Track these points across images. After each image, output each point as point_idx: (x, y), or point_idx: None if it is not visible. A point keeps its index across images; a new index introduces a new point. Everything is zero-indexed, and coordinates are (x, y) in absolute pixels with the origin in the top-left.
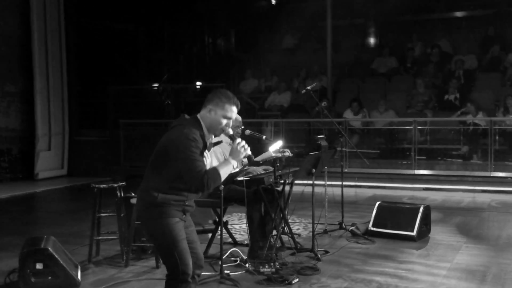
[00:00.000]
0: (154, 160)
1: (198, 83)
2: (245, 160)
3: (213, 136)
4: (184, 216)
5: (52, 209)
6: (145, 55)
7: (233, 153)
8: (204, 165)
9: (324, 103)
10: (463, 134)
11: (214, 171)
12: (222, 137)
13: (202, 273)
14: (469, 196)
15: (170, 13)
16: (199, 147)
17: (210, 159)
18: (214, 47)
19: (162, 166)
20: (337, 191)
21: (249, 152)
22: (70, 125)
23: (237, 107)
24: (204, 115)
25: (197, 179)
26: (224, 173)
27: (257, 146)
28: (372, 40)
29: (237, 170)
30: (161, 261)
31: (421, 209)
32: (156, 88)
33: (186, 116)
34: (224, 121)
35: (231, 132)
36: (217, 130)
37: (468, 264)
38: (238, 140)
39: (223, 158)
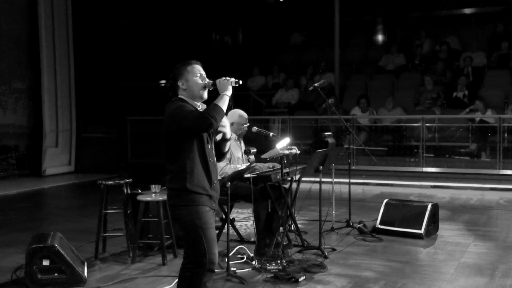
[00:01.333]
0: (167, 151)
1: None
2: (252, 157)
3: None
4: (214, 206)
5: (59, 205)
6: (153, 52)
7: (221, 88)
8: (198, 111)
9: (331, 100)
10: (471, 132)
11: (211, 105)
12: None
13: None
14: (478, 194)
15: (178, 10)
16: (189, 107)
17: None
18: (221, 43)
19: (174, 151)
20: (345, 188)
21: (233, 79)
22: (78, 122)
23: (198, 64)
24: (182, 92)
25: (201, 118)
26: (222, 104)
27: (264, 143)
28: (380, 37)
29: (244, 167)
30: (167, 258)
31: (429, 207)
32: (163, 85)
33: None
34: (199, 80)
35: (211, 82)
36: (200, 90)
37: (476, 263)
38: (218, 79)
39: (231, 156)
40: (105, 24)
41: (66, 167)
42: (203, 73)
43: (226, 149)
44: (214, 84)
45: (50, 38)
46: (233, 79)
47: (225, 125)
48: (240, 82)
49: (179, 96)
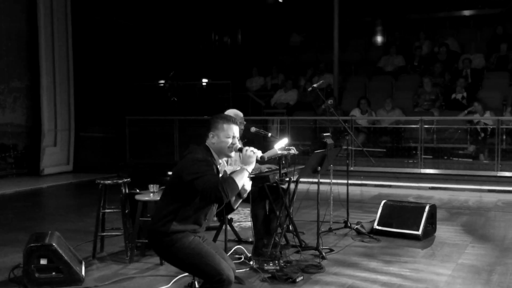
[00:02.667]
0: (168, 189)
1: (204, 80)
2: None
3: (226, 165)
4: (194, 236)
5: (57, 205)
6: (152, 52)
7: (245, 160)
8: (219, 178)
9: (330, 101)
10: (470, 134)
11: (229, 178)
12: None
13: None
14: (476, 196)
15: (177, 10)
16: (211, 166)
17: None
18: (220, 44)
19: (175, 194)
20: (343, 189)
21: (259, 154)
22: (76, 121)
23: (236, 124)
24: (210, 143)
25: (214, 190)
26: (239, 180)
27: (263, 144)
28: (379, 39)
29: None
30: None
31: (426, 208)
32: (162, 85)
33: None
34: (229, 140)
35: (239, 146)
36: (227, 150)
37: (473, 264)
38: (245, 148)
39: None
40: (104, 24)
41: (65, 167)
42: (237, 135)
43: (237, 206)
44: (240, 150)
45: (49, 37)
46: (260, 154)
47: (247, 188)
48: (266, 158)
49: (206, 144)
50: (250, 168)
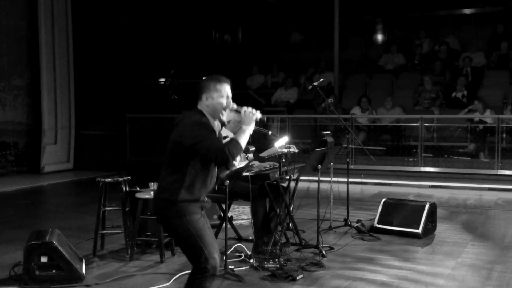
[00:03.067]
0: (169, 158)
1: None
2: (250, 155)
3: (222, 127)
4: (203, 212)
5: (58, 202)
6: (152, 50)
7: (245, 120)
8: (221, 141)
9: (330, 100)
10: (470, 132)
11: (233, 140)
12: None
13: None
14: (476, 194)
15: (178, 8)
16: (210, 129)
17: None
18: (221, 42)
19: (177, 162)
20: (343, 187)
21: (259, 115)
22: (77, 119)
23: (228, 83)
24: (203, 105)
25: (219, 153)
26: (243, 141)
27: (263, 142)
28: (379, 37)
29: (242, 165)
30: (165, 256)
31: (427, 207)
32: (162, 83)
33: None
34: (224, 100)
35: (235, 106)
36: (221, 111)
37: (473, 262)
38: (244, 108)
39: None
40: (105, 22)
41: (65, 165)
42: (230, 94)
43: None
44: (237, 111)
45: (50, 35)
46: (259, 115)
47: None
48: (265, 118)
49: (199, 108)
50: (251, 128)
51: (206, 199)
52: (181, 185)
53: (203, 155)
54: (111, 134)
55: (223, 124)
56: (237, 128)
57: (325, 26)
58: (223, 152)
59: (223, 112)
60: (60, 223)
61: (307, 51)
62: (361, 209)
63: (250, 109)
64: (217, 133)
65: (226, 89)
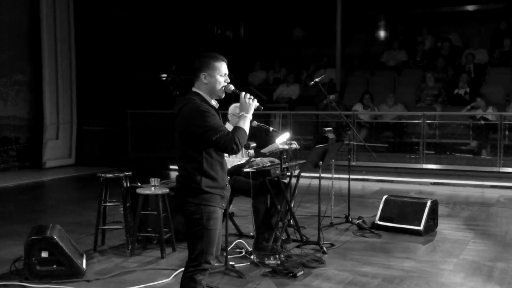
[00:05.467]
0: (181, 148)
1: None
2: (251, 151)
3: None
4: (224, 204)
5: (59, 198)
6: (154, 46)
7: (243, 107)
8: (226, 129)
9: (332, 96)
10: (472, 129)
11: (237, 128)
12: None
13: None
14: (478, 191)
15: (180, 4)
16: (214, 114)
17: None
18: (223, 38)
19: (190, 151)
20: (344, 184)
21: (256, 102)
22: (78, 114)
23: (225, 62)
24: (200, 84)
25: (228, 141)
26: (246, 128)
27: (264, 138)
28: (382, 33)
29: (243, 161)
30: (166, 252)
31: (428, 204)
32: (164, 78)
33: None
34: (222, 79)
35: (232, 87)
36: (219, 91)
37: (475, 260)
38: (243, 93)
39: None
40: (106, 17)
41: (67, 160)
42: (227, 72)
43: None
44: (235, 92)
45: (52, 30)
46: (256, 103)
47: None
48: (262, 108)
49: (195, 89)
50: (250, 114)
51: (227, 183)
52: (201, 173)
53: (212, 143)
54: (113, 130)
55: (216, 110)
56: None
57: (327, 22)
58: (233, 141)
59: (222, 91)
60: (61, 218)
61: (309, 47)
62: (362, 206)
63: (248, 95)
64: (218, 115)
65: (224, 67)
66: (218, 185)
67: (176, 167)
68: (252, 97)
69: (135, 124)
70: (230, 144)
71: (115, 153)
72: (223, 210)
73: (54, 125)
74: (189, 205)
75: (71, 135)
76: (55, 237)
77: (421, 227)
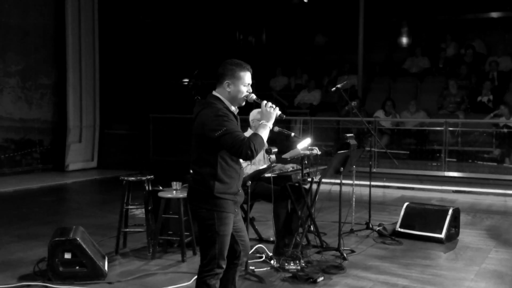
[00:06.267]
0: (196, 152)
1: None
2: (273, 157)
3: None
4: (236, 210)
5: (81, 200)
6: (176, 51)
7: (265, 115)
8: (243, 134)
9: (354, 103)
10: (495, 137)
11: (255, 135)
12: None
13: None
14: (500, 200)
15: (202, 9)
16: (231, 119)
17: None
18: (245, 43)
19: (205, 155)
20: (365, 191)
21: (278, 111)
22: (101, 118)
23: (250, 72)
24: (222, 91)
25: (243, 147)
26: (264, 136)
27: (285, 143)
28: (404, 40)
29: (265, 167)
30: (187, 255)
31: (450, 211)
32: (186, 83)
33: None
34: (245, 89)
35: (254, 97)
36: (241, 99)
37: (497, 269)
38: (264, 102)
39: None
40: (130, 22)
41: (89, 163)
42: (251, 82)
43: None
44: (256, 101)
45: (76, 34)
46: (278, 111)
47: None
48: (284, 116)
49: (216, 94)
50: (271, 123)
51: (240, 190)
52: (215, 178)
53: (228, 148)
54: (135, 134)
55: (235, 116)
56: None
57: (349, 29)
58: (248, 148)
59: (243, 99)
60: (83, 221)
61: (331, 54)
62: (383, 212)
63: (270, 103)
64: (237, 121)
65: (248, 76)
66: (231, 191)
67: None
68: (274, 106)
69: (157, 128)
70: (245, 149)
71: (136, 156)
72: (241, 216)
73: (77, 128)
74: (201, 211)
75: (93, 138)
76: (78, 238)
77: (442, 235)
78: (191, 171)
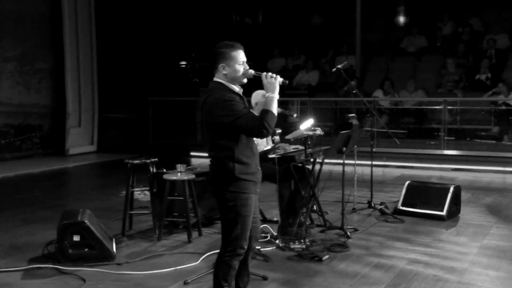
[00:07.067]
0: (210, 139)
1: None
2: (277, 137)
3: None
4: (257, 190)
5: (83, 184)
6: (173, 33)
7: (268, 87)
8: (254, 113)
9: (353, 83)
10: (494, 115)
11: (266, 111)
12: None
13: None
14: (499, 177)
15: None
16: (239, 101)
17: None
18: (241, 25)
19: (220, 140)
20: (366, 170)
21: (280, 78)
22: (100, 102)
23: (242, 49)
24: (220, 75)
25: (257, 126)
26: (274, 109)
27: (283, 124)
28: (401, 19)
29: (268, 147)
30: (192, 236)
31: (451, 189)
32: (184, 66)
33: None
34: (241, 67)
35: (253, 72)
36: (240, 77)
37: (498, 244)
38: (264, 73)
39: None
40: (127, 5)
41: (89, 147)
42: (245, 59)
43: None
44: (256, 76)
45: (73, 18)
46: (280, 79)
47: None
48: (287, 82)
49: (216, 79)
50: (276, 93)
51: (259, 168)
52: (233, 159)
53: (243, 130)
54: (134, 117)
55: (241, 96)
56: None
57: (346, 9)
58: (262, 126)
59: (243, 77)
60: (87, 204)
61: (328, 34)
62: (383, 191)
63: (270, 74)
64: (243, 101)
65: (242, 55)
66: (251, 170)
67: (198, 154)
68: (274, 75)
69: (156, 111)
70: (260, 128)
71: (136, 140)
72: (256, 196)
73: (76, 112)
74: (223, 193)
75: (93, 123)
76: (86, 221)
77: (444, 212)
78: (209, 157)
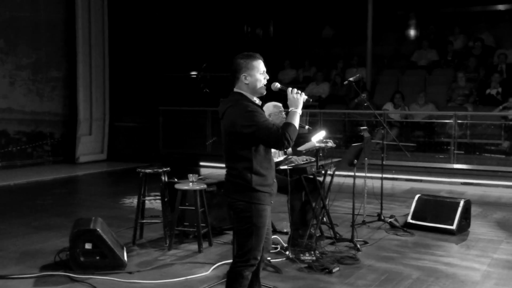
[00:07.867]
0: (230, 149)
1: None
2: (289, 149)
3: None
4: (272, 202)
5: (94, 192)
6: (185, 44)
7: (293, 102)
8: (275, 125)
9: (363, 95)
10: (504, 129)
11: (288, 124)
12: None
13: None
14: (509, 192)
15: (210, 2)
16: (261, 113)
17: None
18: (253, 36)
19: (240, 151)
20: (376, 183)
21: (304, 95)
22: (111, 110)
23: (262, 60)
24: (242, 85)
25: (278, 138)
26: (296, 123)
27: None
28: (412, 32)
29: (281, 159)
30: (203, 246)
31: (461, 203)
32: (195, 76)
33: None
34: (262, 77)
35: (279, 85)
36: (261, 88)
37: (509, 259)
38: (290, 88)
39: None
40: (139, 15)
41: (99, 155)
42: (265, 69)
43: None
44: (282, 89)
45: (86, 28)
46: (304, 96)
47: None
48: (311, 100)
49: (237, 90)
50: (299, 109)
51: (274, 180)
52: (251, 171)
53: (264, 141)
54: (144, 126)
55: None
56: (278, 119)
57: (357, 21)
58: (284, 138)
59: (263, 88)
60: (97, 212)
61: (339, 46)
62: (392, 204)
63: (295, 90)
64: (265, 113)
65: (262, 64)
66: (267, 182)
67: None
68: (300, 91)
69: (166, 121)
70: (282, 140)
71: (146, 149)
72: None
73: (87, 121)
74: (239, 203)
75: (103, 131)
76: (98, 229)
77: (454, 227)
78: (226, 167)
